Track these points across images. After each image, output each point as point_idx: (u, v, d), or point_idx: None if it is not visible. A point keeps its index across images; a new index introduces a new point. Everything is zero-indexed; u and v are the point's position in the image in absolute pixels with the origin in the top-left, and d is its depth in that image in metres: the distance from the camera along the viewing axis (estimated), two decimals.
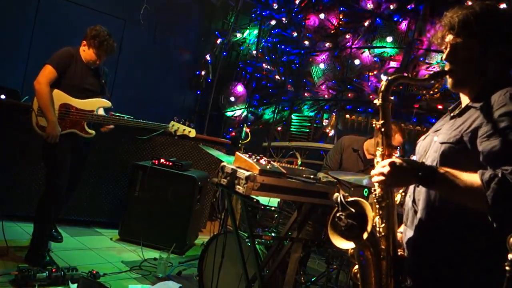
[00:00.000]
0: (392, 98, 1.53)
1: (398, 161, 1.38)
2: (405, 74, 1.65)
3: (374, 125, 1.52)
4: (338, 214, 1.41)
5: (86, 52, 3.46)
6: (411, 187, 1.60)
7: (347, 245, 1.42)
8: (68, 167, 3.42)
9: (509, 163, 1.25)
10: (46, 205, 3.40)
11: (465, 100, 1.54)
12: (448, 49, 1.50)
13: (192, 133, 3.79)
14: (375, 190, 1.49)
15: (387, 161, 1.40)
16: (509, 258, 1.01)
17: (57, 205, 3.46)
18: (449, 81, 1.52)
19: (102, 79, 3.62)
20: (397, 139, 3.49)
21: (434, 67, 5.99)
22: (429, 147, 1.55)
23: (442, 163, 1.43)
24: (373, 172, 1.45)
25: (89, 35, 3.42)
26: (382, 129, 1.48)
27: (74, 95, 3.42)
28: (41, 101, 3.28)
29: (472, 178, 1.29)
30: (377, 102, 1.50)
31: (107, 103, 3.59)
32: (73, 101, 3.42)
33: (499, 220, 1.26)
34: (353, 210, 1.40)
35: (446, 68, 1.52)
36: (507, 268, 1.02)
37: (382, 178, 1.39)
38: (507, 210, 1.24)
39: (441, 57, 1.57)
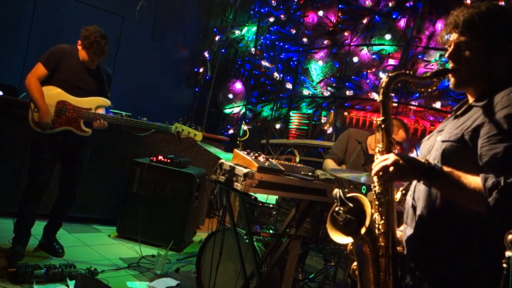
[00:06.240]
0: (392, 95, 1.52)
1: (400, 156, 1.38)
2: (407, 71, 1.64)
3: (374, 122, 1.52)
4: (336, 209, 1.42)
5: (81, 52, 3.43)
6: (412, 186, 1.60)
7: (345, 240, 1.42)
8: (49, 164, 3.41)
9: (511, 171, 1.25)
10: (24, 198, 3.41)
11: (470, 99, 1.53)
12: (452, 47, 1.49)
13: (199, 136, 3.49)
14: (374, 187, 1.48)
15: (391, 155, 1.39)
16: (506, 256, 1.01)
17: (37, 200, 3.45)
18: (451, 80, 1.51)
19: (102, 80, 3.57)
20: (400, 134, 3.50)
21: (433, 65, 5.99)
22: (432, 147, 1.54)
23: (443, 161, 1.43)
24: (374, 165, 1.43)
25: (81, 36, 3.38)
26: (383, 126, 1.48)
27: (67, 92, 3.39)
28: (29, 93, 3.31)
29: (474, 181, 1.30)
30: (378, 98, 1.49)
31: (106, 102, 3.55)
32: (70, 99, 3.39)
33: (496, 221, 1.29)
34: (351, 205, 1.40)
35: (449, 67, 1.50)
36: (504, 265, 1.02)
37: (386, 171, 1.38)
38: (505, 216, 1.26)
39: (445, 54, 1.56)
